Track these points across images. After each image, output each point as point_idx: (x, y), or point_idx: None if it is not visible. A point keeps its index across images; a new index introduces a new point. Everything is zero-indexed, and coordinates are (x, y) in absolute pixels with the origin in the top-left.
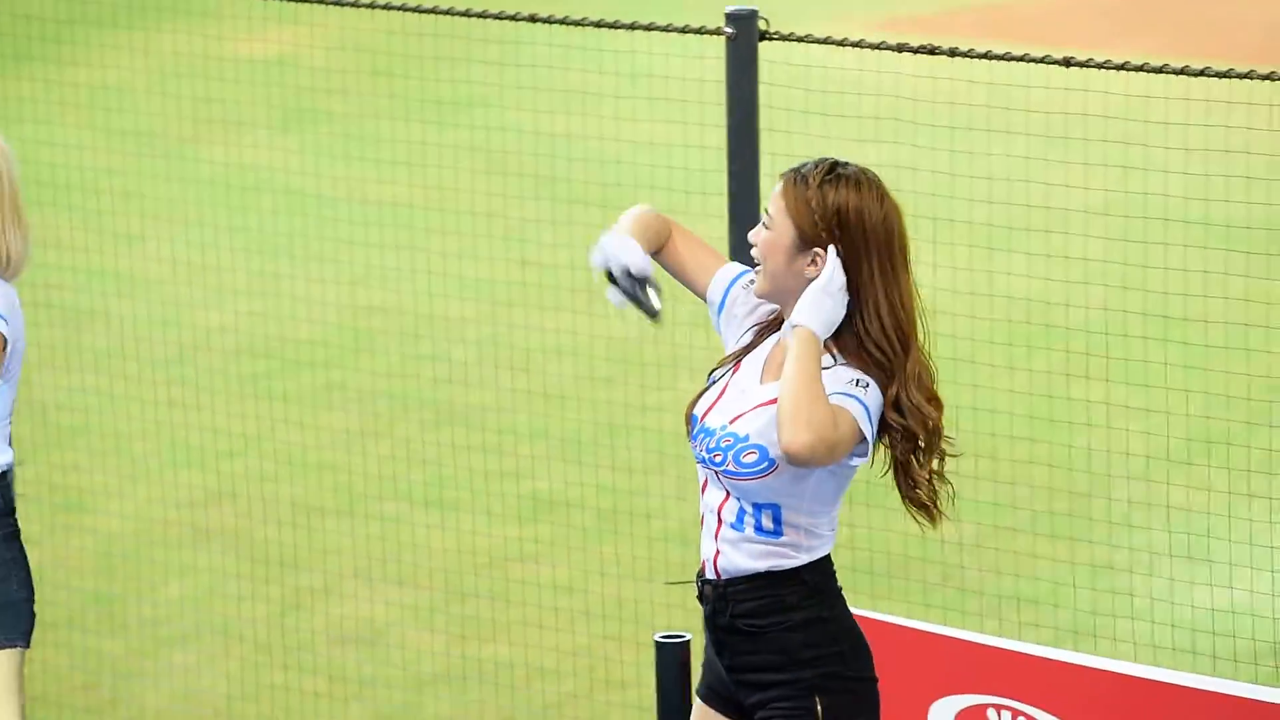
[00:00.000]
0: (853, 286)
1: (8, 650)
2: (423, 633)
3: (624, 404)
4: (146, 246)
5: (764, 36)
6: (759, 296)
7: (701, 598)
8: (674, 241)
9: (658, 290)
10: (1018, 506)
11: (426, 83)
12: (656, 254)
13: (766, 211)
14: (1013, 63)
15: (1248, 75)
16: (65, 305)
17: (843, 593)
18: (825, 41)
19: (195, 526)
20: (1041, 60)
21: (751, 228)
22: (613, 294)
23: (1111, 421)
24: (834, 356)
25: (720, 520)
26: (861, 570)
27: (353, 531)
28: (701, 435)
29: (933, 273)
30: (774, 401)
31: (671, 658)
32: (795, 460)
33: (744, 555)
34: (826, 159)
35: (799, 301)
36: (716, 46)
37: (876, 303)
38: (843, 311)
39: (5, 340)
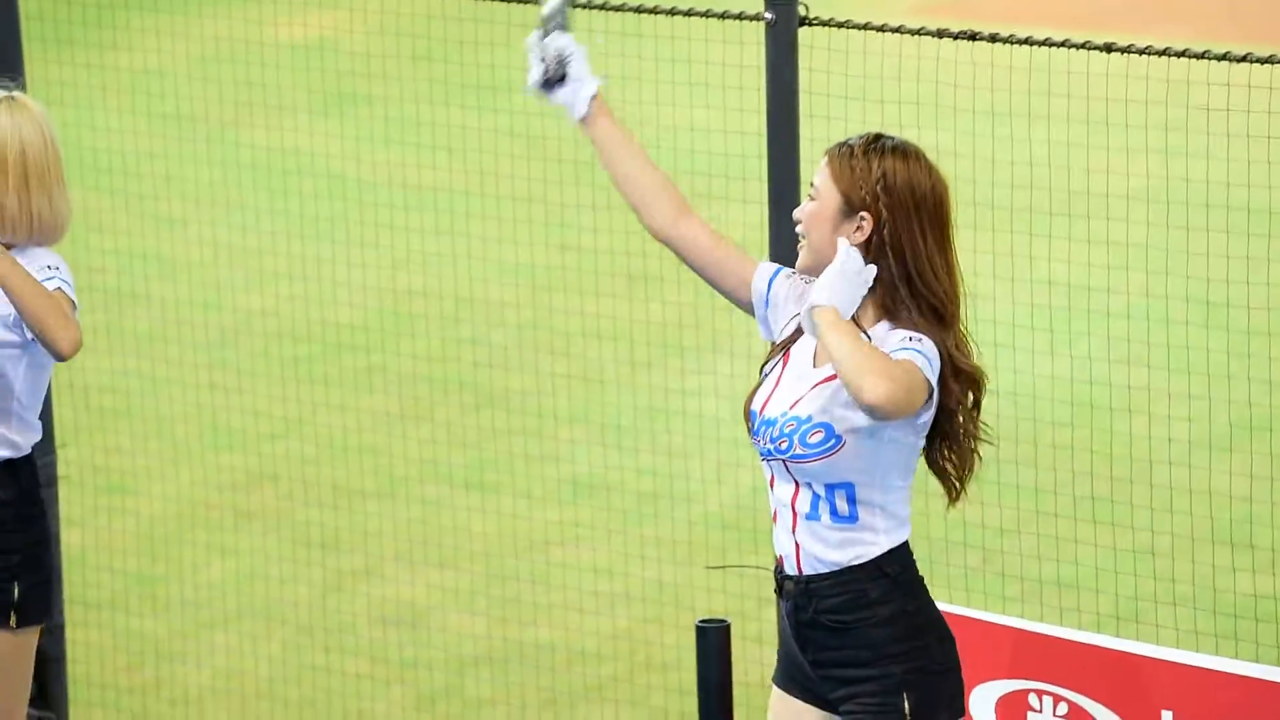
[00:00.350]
0: (904, 248)
1: (37, 628)
2: (464, 615)
3: (664, 388)
4: (188, 230)
5: (804, 22)
6: (801, 271)
7: (781, 593)
8: (707, 231)
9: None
10: (1058, 491)
11: (466, 67)
12: (681, 234)
13: (812, 184)
14: (1053, 48)
15: None
16: (107, 288)
17: (924, 581)
18: (865, 27)
19: (237, 509)
20: (1083, 46)
21: (791, 213)
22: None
23: (1153, 407)
24: (866, 333)
25: (795, 513)
26: None
27: (394, 514)
28: (763, 428)
29: (973, 258)
30: (832, 378)
31: (712, 642)
32: (880, 413)
33: (824, 546)
34: (874, 133)
35: (815, 284)
36: (757, 32)
37: (932, 260)
38: (862, 294)
39: (75, 304)
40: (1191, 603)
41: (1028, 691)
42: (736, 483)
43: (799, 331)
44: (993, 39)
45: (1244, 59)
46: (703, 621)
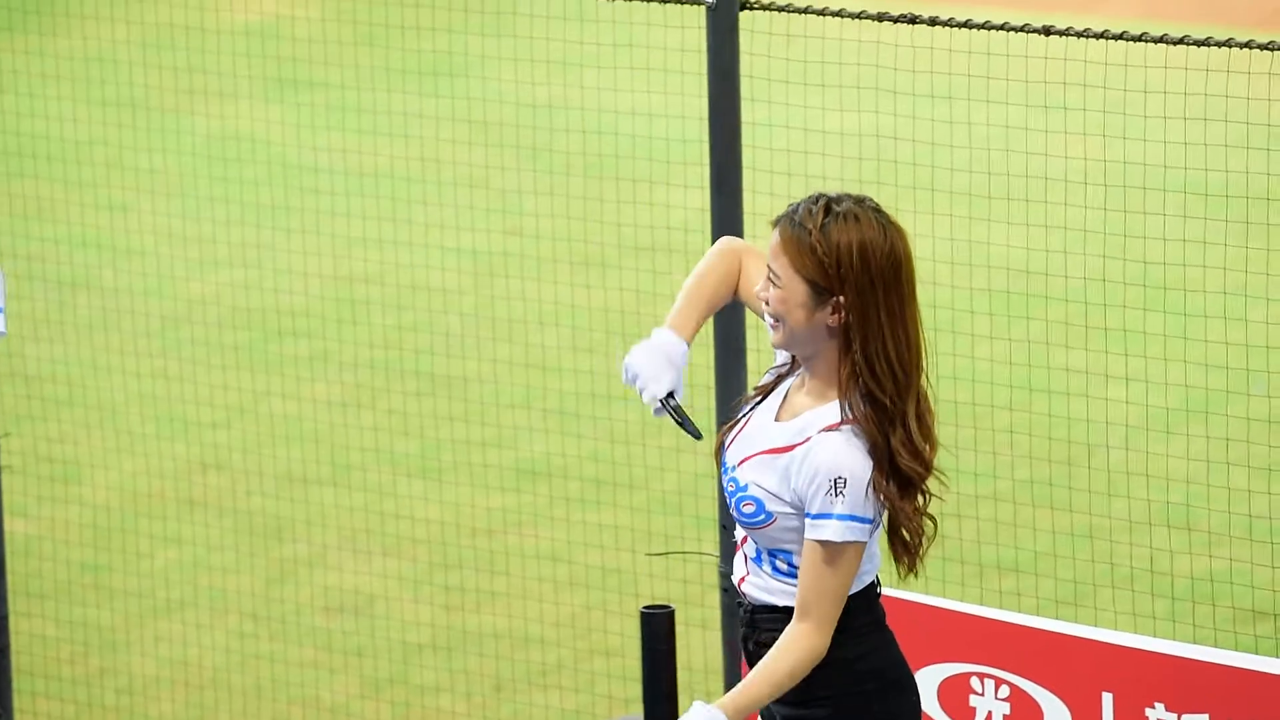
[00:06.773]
0: (862, 329)
1: None
2: (410, 602)
3: (609, 373)
4: (130, 217)
5: (744, 6)
6: (776, 347)
7: (740, 609)
8: (746, 273)
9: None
10: (999, 475)
11: (410, 53)
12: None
13: (771, 269)
14: (993, 31)
15: (1226, 43)
16: (49, 276)
17: (881, 628)
18: (806, 10)
19: (182, 497)
20: (1021, 29)
21: (732, 197)
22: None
23: (1094, 390)
24: (805, 419)
25: (745, 554)
26: None
27: (340, 501)
28: (724, 467)
29: (915, 243)
30: (781, 450)
31: (657, 629)
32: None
33: (766, 592)
34: (818, 197)
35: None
36: (698, 16)
37: (883, 345)
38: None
39: None
40: (1132, 585)
41: (970, 675)
42: (680, 469)
43: (781, 378)
44: (932, 22)
45: (1180, 41)
46: (647, 608)
